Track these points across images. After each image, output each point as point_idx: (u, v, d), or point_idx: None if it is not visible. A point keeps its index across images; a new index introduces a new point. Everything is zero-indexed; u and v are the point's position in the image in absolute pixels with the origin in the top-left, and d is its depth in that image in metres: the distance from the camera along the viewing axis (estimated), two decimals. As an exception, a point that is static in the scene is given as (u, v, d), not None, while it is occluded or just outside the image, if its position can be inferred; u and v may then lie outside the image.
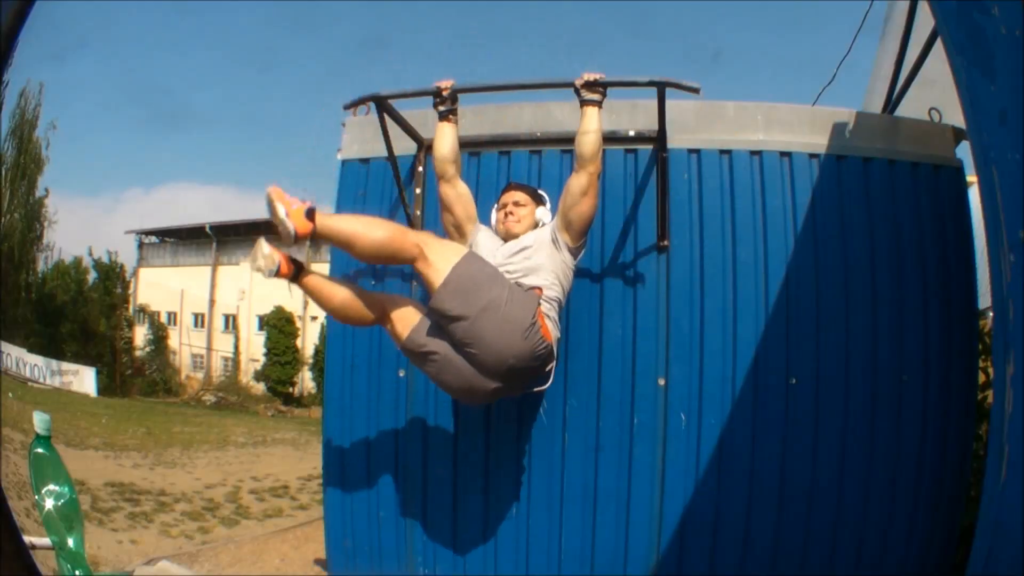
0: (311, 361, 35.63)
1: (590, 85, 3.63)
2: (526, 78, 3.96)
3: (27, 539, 2.76)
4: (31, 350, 29.75)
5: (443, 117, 3.81)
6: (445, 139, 3.79)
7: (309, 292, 3.67)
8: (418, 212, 4.42)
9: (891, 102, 4.81)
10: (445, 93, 3.78)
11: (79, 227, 58.77)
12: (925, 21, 4.26)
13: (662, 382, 4.14)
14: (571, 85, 3.68)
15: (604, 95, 3.65)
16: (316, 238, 3.37)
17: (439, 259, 3.37)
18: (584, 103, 3.64)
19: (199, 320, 42.92)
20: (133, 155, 73.57)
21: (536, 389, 3.75)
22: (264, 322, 38.28)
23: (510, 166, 4.45)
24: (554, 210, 3.83)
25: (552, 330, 3.53)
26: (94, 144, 67.51)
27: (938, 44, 3.87)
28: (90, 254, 36.95)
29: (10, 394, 19.93)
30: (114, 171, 74.31)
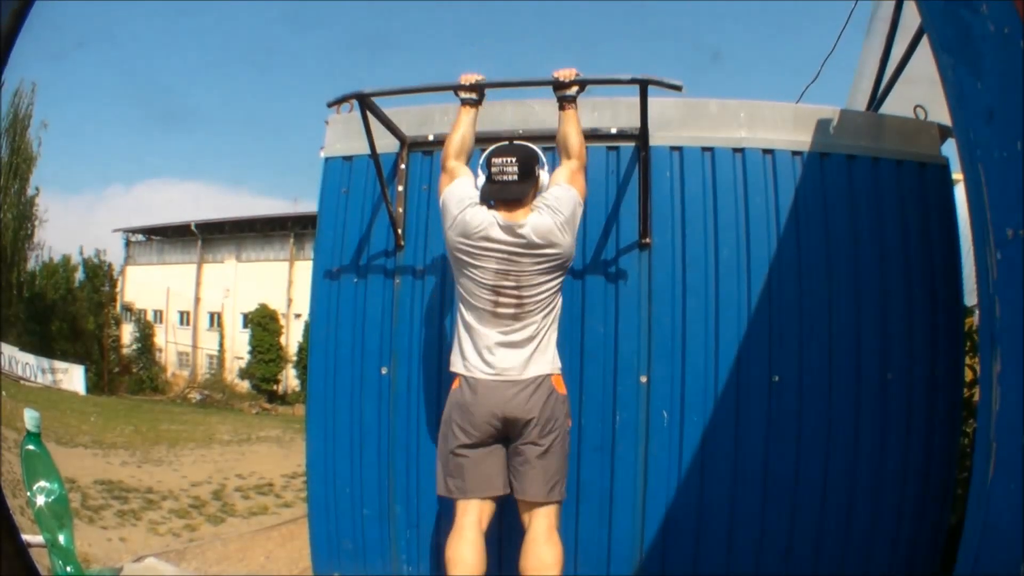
0: (295, 359, 35.67)
1: (570, 84, 3.64)
2: (509, 77, 3.97)
3: (24, 538, 2.74)
4: (23, 349, 29.95)
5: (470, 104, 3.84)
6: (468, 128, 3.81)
7: None
8: (400, 209, 4.40)
9: (876, 99, 4.81)
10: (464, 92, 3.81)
11: (62, 224, 58.74)
12: (911, 18, 4.26)
13: (644, 380, 4.13)
14: (553, 83, 3.68)
15: (579, 91, 3.69)
16: None
17: None
18: (564, 100, 3.67)
19: (184, 318, 43.00)
20: (115, 152, 73.71)
21: None
22: (248, 319, 38.30)
23: (493, 163, 4.42)
24: None
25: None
26: (78, 141, 67.57)
27: (924, 41, 3.88)
28: (80, 253, 37.07)
29: (3, 392, 19.98)
30: (96, 168, 74.42)
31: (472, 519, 3.58)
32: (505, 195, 3.56)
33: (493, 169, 3.57)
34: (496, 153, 3.61)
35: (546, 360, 3.60)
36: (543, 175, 3.67)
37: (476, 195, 3.62)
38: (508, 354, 3.56)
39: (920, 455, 4.08)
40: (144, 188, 75.28)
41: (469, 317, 3.62)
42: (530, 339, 3.56)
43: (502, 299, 3.52)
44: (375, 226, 4.50)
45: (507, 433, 3.59)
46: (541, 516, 3.59)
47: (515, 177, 3.54)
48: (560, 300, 3.69)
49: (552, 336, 3.64)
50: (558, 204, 3.52)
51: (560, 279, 3.61)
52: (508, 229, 3.49)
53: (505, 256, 3.49)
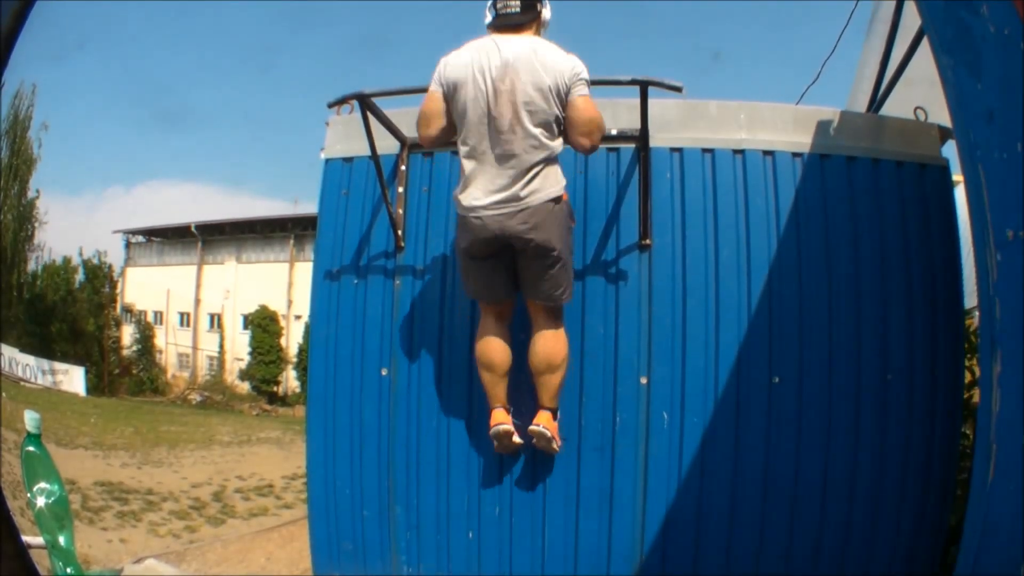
0: (295, 360, 35.68)
1: None
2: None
3: (24, 539, 2.75)
4: (23, 350, 29.98)
5: None
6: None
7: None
8: (400, 211, 4.40)
9: (876, 101, 4.81)
10: None
11: (62, 225, 58.82)
12: (911, 19, 4.26)
13: (644, 381, 4.12)
14: None
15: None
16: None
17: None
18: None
19: (185, 319, 43.01)
20: (115, 153, 73.78)
21: None
22: (248, 321, 38.32)
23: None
24: None
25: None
26: (78, 143, 67.63)
27: (924, 42, 3.88)
28: (80, 254, 37.11)
29: (3, 394, 19.99)
30: (96, 169, 74.55)
31: (492, 319, 3.99)
32: (506, 21, 3.71)
33: (498, 5, 3.73)
34: None
35: (550, 185, 3.67)
36: (545, 12, 3.79)
37: None
38: (510, 189, 3.61)
39: (920, 455, 4.07)
40: (144, 189, 75.49)
41: (470, 163, 3.68)
42: (535, 174, 3.61)
43: (504, 136, 3.56)
44: (375, 227, 4.49)
45: (514, 247, 3.71)
46: (550, 314, 3.92)
47: (517, 8, 3.70)
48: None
49: (556, 162, 3.71)
50: (570, 56, 3.63)
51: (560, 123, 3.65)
52: (507, 40, 3.62)
53: (502, 70, 3.56)
